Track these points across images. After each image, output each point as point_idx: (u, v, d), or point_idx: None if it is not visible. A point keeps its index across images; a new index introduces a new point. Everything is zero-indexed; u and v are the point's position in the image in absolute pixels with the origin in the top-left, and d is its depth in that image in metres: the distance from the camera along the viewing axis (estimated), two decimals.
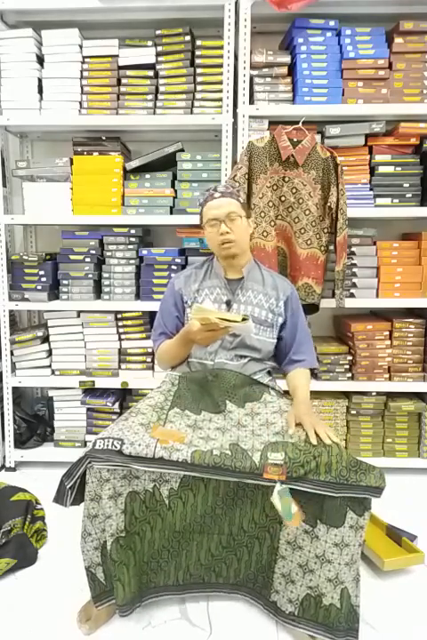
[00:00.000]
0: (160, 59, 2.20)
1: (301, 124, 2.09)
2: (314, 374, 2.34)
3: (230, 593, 1.49)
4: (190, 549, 1.45)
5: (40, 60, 2.24)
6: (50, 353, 2.41)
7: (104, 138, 2.30)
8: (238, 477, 1.33)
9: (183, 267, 2.25)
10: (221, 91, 2.16)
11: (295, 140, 2.08)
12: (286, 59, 2.13)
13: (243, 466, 1.31)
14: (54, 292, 2.36)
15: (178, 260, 2.26)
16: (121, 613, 1.38)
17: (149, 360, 2.36)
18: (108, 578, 1.42)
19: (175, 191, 2.25)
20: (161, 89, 2.21)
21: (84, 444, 2.41)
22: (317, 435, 1.38)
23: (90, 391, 2.41)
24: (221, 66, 2.13)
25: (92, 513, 1.38)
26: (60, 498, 1.42)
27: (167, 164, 2.27)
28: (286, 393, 1.74)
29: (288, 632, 1.41)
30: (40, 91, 2.23)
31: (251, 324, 1.47)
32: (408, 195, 2.20)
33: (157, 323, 1.80)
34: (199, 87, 2.19)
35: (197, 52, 2.18)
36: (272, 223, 2.09)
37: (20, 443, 2.44)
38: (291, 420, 1.46)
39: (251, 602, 1.49)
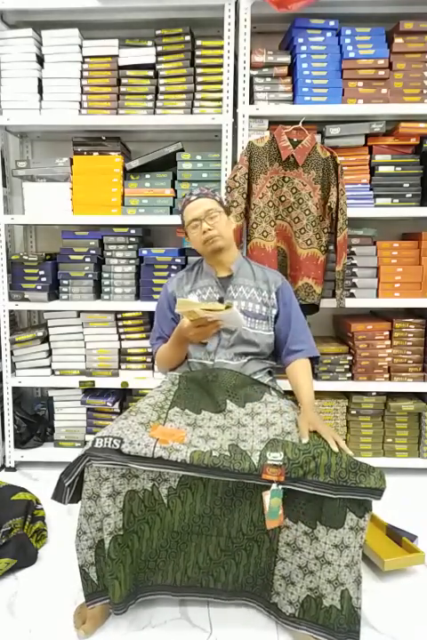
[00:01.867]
0: (160, 59, 2.19)
1: (301, 124, 2.09)
2: (314, 374, 2.33)
3: (229, 599, 1.47)
4: (189, 551, 1.44)
5: (40, 60, 2.23)
6: (50, 353, 2.41)
7: (104, 138, 2.30)
8: (237, 478, 1.33)
9: (183, 267, 2.25)
10: (221, 91, 2.16)
11: (295, 140, 2.08)
12: (286, 59, 2.13)
13: (242, 468, 1.31)
14: (54, 292, 2.36)
15: (178, 260, 2.26)
16: (115, 612, 1.38)
17: (149, 360, 2.36)
18: (100, 578, 1.41)
19: (175, 191, 2.25)
20: (161, 89, 2.21)
21: (84, 443, 2.41)
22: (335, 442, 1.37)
23: (90, 391, 2.41)
24: (221, 66, 2.13)
25: (88, 511, 1.39)
26: (58, 495, 1.41)
27: (167, 164, 2.27)
28: (288, 392, 1.74)
29: (289, 633, 1.41)
30: (40, 91, 2.23)
31: (237, 312, 1.45)
32: (408, 195, 2.20)
33: (154, 327, 1.82)
34: (199, 87, 2.19)
35: (197, 52, 2.18)
36: (272, 223, 2.09)
37: (20, 443, 2.43)
38: (304, 428, 1.40)
39: (251, 605, 1.48)
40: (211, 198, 1.71)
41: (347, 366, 2.32)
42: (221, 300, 1.69)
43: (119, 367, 2.38)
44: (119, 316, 2.35)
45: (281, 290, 1.73)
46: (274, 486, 1.29)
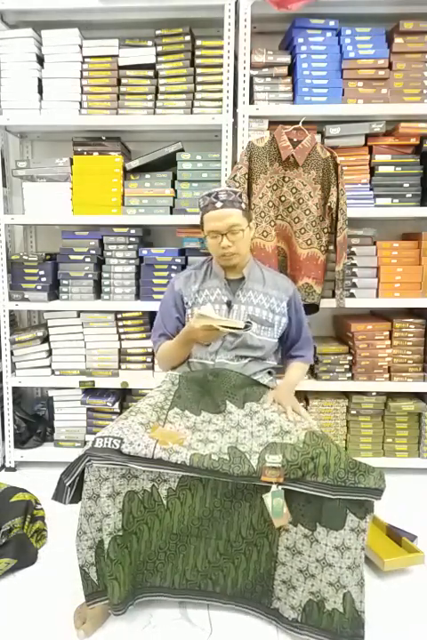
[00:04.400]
0: (160, 59, 2.19)
1: (301, 124, 2.09)
2: (314, 374, 2.34)
3: (227, 604, 1.46)
4: (187, 553, 1.44)
5: (40, 60, 2.23)
6: (50, 353, 2.40)
7: (104, 138, 2.30)
8: (236, 481, 1.33)
9: (183, 267, 2.25)
10: (221, 91, 2.16)
11: (295, 140, 2.07)
12: (286, 59, 2.13)
13: (241, 471, 1.31)
14: (54, 292, 2.36)
15: (178, 260, 2.26)
16: (115, 612, 1.38)
17: (149, 360, 2.36)
18: (100, 578, 1.41)
19: (175, 191, 2.25)
20: (161, 89, 2.21)
21: (84, 443, 2.41)
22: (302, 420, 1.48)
23: (90, 391, 2.41)
24: (221, 66, 2.13)
25: (88, 511, 1.39)
26: (58, 495, 1.42)
27: (167, 164, 2.27)
28: None
29: (290, 635, 1.40)
30: (40, 91, 2.23)
31: (253, 327, 1.54)
32: (408, 195, 2.20)
33: (156, 324, 1.80)
34: (199, 87, 2.19)
35: (197, 52, 2.18)
36: (272, 223, 2.09)
37: (20, 443, 2.44)
38: (269, 400, 1.57)
39: (251, 612, 1.46)
40: (237, 208, 1.62)
41: (347, 366, 2.32)
42: (228, 304, 1.68)
43: (119, 367, 2.38)
44: (119, 316, 2.35)
45: (293, 299, 1.75)
46: (274, 488, 1.29)
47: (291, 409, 1.51)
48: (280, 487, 1.30)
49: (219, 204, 1.61)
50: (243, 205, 1.65)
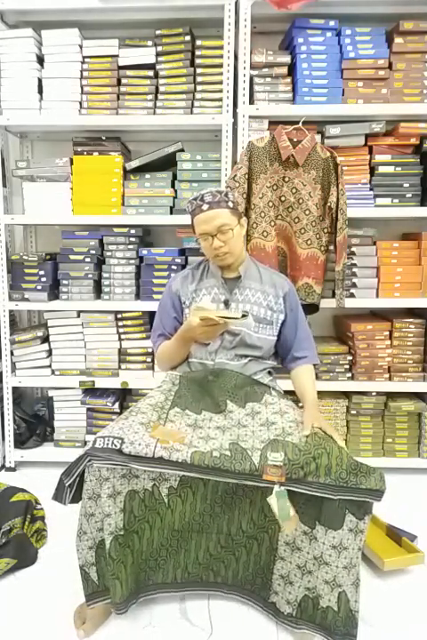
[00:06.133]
0: (160, 59, 2.19)
1: (301, 124, 2.09)
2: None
3: (228, 593, 1.49)
4: (189, 548, 1.45)
5: (40, 60, 2.23)
6: (50, 353, 2.40)
7: (104, 138, 2.30)
8: (238, 479, 1.33)
9: (183, 267, 2.25)
10: (221, 91, 2.16)
11: (295, 140, 2.07)
12: (286, 59, 2.13)
13: (242, 468, 1.31)
14: (54, 292, 2.36)
15: (178, 260, 2.26)
16: (117, 611, 1.38)
17: (149, 360, 2.36)
18: (101, 578, 1.41)
19: (175, 191, 2.25)
20: (161, 89, 2.21)
21: (84, 443, 2.41)
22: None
23: (90, 391, 2.41)
24: (221, 66, 2.13)
25: (89, 511, 1.39)
26: (58, 496, 1.41)
27: (167, 164, 2.27)
28: (287, 393, 1.74)
29: (289, 632, 1.41)
30: (40, 91, 2.23)
31: (250, 319, 1.50)
32: (408, 195, 2.20)
33: (155, 324, 1.81)
34: (199, 87, 2.19)
35: (197, 52, 2.18)
36: (272, 223, 2.09)
37: (20, 443, 2.44)
38: (308, 422, 1.43)
39: (249, 603, 1.49)
40: (224, 207, 1.62)
41: (347, 366, 2.32)
42: (226, 302, 1.68)
43: (119, 367, 2.38)
44: (119, 316, 2.35)
45: (288, 295, 1.73)
46: (277, 488, 1.29)
47: (339, 437, 1.42)
48: (283, 488, 1.29)
49: (205, 207, 1.61)
50: (230, 204, 1.64)
